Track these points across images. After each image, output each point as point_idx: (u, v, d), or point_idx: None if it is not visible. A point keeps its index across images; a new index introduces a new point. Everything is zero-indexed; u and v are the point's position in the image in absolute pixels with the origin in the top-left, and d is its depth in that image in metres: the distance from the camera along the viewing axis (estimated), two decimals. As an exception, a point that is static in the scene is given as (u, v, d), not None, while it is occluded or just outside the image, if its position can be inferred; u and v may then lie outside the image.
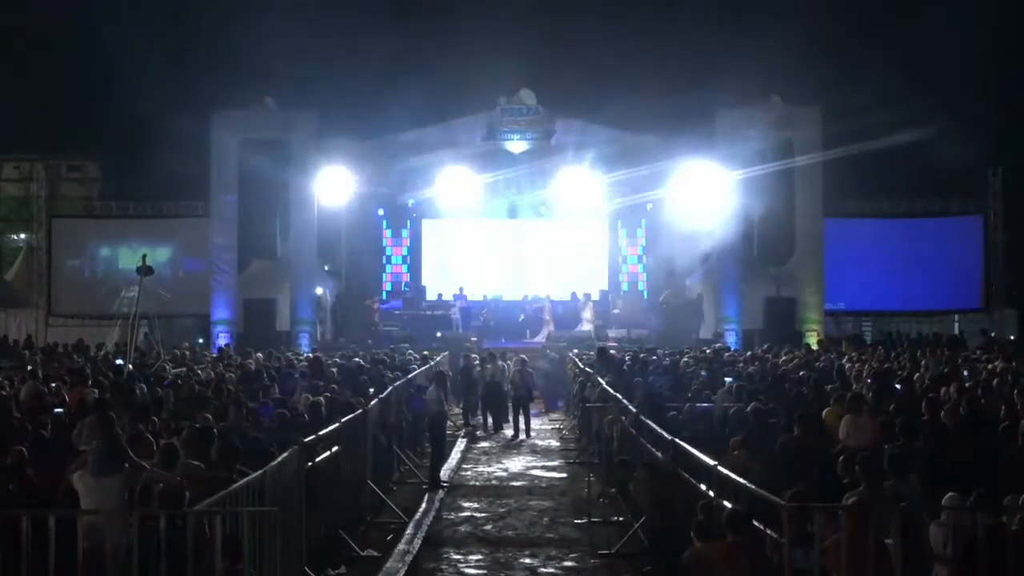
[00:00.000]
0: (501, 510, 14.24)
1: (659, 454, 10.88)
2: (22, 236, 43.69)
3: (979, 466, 9.39)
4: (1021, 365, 17.94)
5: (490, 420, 21.98)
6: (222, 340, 27.98)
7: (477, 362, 22.83)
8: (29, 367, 18.84)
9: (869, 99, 38.49)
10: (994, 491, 7.76)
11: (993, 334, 27.47)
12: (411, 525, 13.08)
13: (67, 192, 54.12)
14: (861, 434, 11.28)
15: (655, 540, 10.58)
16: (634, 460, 12.35)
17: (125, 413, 12.43)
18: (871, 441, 10.97)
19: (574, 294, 33.26)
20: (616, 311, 33.03)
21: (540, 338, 30.86)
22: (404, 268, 35.87)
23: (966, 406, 12.59)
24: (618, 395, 14.90)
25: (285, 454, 9.54)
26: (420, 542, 12.21)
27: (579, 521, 13.47)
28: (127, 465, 8.65)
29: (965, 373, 17.85)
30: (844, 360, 20.51)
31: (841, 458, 8.97)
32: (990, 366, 18.22)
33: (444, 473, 16.61)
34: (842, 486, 8.57)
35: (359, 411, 13.18)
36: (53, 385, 15.98)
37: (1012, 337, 27.73)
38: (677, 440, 10.40)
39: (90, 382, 16.34)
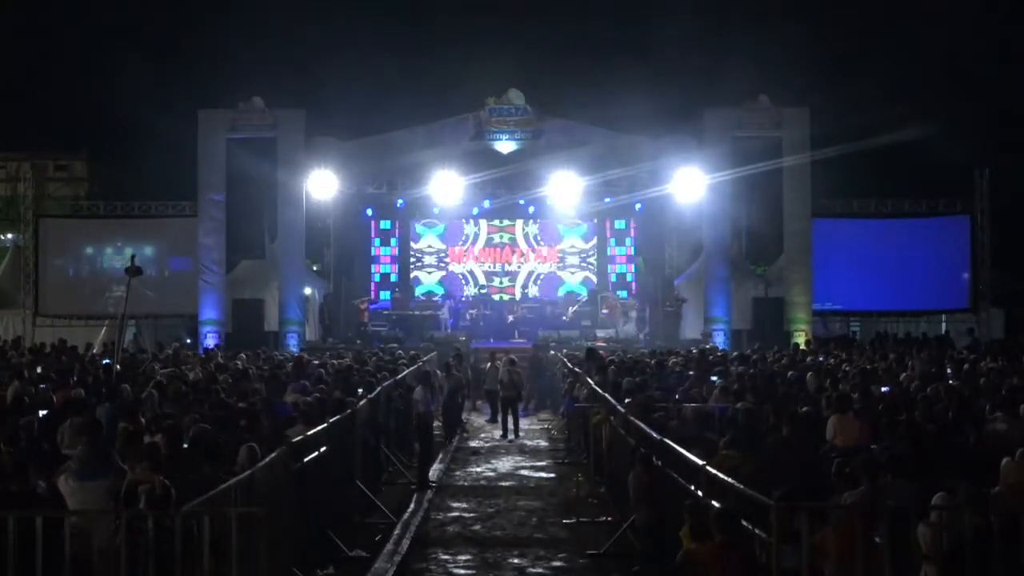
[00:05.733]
0: (490, 510, 14.24)
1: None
2: (9, 236, 43.53)
3: (965, 465, 9.43)
4: (1007, 364, 18.02)
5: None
6: (210, 341, 27.89)
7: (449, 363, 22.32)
8: (16, 367, 18.70)
9: (857, 99, 38.75)
10: (981, 490, 7.80)
11: (976, 334, 27.52)
12: (399, 525, 13.07)
13: (54, 191, 54.04)
14: (847, 434, 11.33)
15: (645, 540, 10.58)
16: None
17: (109, 413, 12.45)
18: (856, 441, 11.02)
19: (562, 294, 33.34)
20: (604, 311, 33.05)
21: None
22: (393, 268, 35.83)
23: (952, 406, 12.66)
24: (607, 395, 14.90)
25: (273, 454, 9.52)
26: (409, 542, 12.20)
27: (568, 521, 13.49)
28: (113, 469, 8.60)
29: (950, 372, 17.94)
30: (832, 360, 20.57)
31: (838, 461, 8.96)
32: (978, 366, 18.28)
33: (432, 473, 16.61)
34: (830, 485, 8.59)
35: (348, 411, 13.17)
36: (43, 386, 15.89)
37: (998, 337, 27.79)
38: (666, 440, 10.42)
39: (73, 382, 16.30)
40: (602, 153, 30.07)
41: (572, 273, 35.67)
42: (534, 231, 35.70)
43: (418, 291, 35.26)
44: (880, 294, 30.86)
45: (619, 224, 35.71)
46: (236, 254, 31.11)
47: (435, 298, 34.70)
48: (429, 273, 35.73)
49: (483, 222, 35.48)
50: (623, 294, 34.84)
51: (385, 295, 35.22)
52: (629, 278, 35.63)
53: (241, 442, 10.06)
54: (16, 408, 13.41)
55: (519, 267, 35.65)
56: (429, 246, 35.78)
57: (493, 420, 22.69)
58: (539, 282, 35.52)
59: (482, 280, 35.49)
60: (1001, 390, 13.86)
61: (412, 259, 35.77)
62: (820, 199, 29.99)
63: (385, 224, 35.69)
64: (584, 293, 34.99)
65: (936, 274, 30.88)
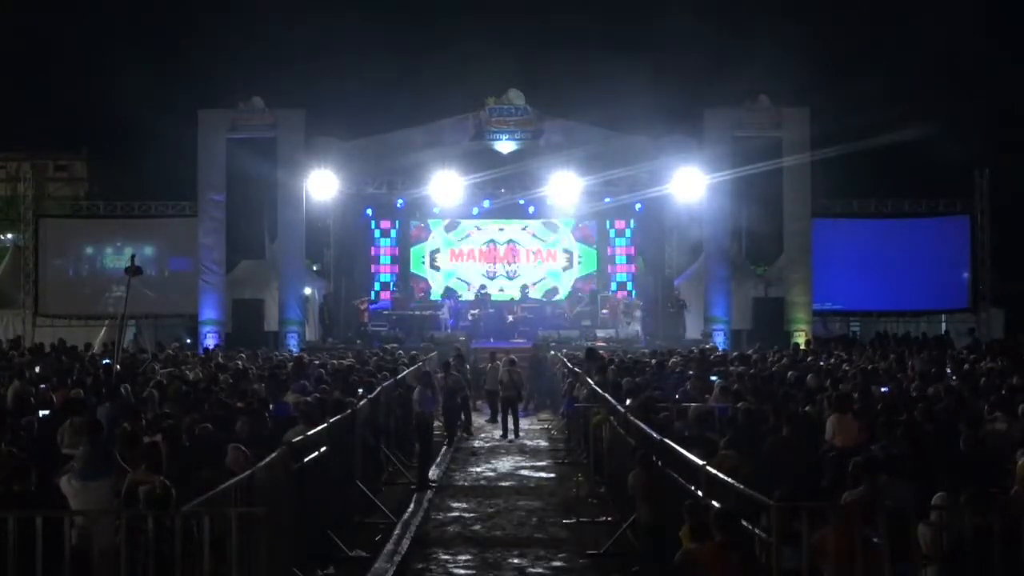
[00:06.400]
0: (490, 510, 14.24)
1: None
2: (9, 236, 43.53)
3: (964, 465, 9.43)
4: (1007, 364, 18.02)
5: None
6: (210, 341, 27.90)
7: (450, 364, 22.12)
8: (16, 367, 18.69)
9: (857, 99, 38.78)
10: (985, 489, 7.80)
11: (976, 334, 27.52)
12: (400, 525, 13.06)
13: (54, 192, 54.04)
14: (846, 434, 11.33)
15: (646, 539, 10.59)
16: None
17: (109, 413, 12.45)
18: (856, 441, 11.02)
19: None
20: (605, 311, 33.06)
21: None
22: (393, 268, 35.80)
23: (952, 406, 12.66)
24: (607, 395, 14.90)
25: (273, 454, 9.52)
26: (409, 542, 12.20)
27: (568, 521, 13.49)
28: (115, 469, 8.60)
29: (950, 372, 17.95)
30: (832, 360, 20.57)
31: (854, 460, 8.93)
32: (978, 366, 18.29)
33: (432, 473, 16.60)
34: (831, 486, 8.60)
35: (348, 411, 13.17)
36: (43, 386, 15.89)
37: (998, 337, 27.79)
38: (666, 440, 10.41)
39: (73, 382, 16.28)
40: (602, 153, 30.07)
41: (572, 273, 35.63)
42: (534, 231, 35.63)
43: (417, 291, 35.23)
44: (880, 294, 30.86)
45: (619, 224, 35.65)
46: (236, 254, 31.11)
47: (435, 298, 34.69)
48: (429, 273, 35.67)
49: (483, 221, 35.43)
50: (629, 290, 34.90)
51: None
52: (627, 278, 35.55)
53: (237, 442, 10.09)
54: (18, 408, 13.43)
55: (519, 267, 35.63)
56: (429, 245, 35.69)
57: (493, 420, 22.70)
58: (540, 282, 35.45)
59: (482, 280, 35.41)
60: (1001, 390, 13.87)
61: (412, 259, 35.72)
62: (820, 199, 30.00)
63: (385, 223, 35.59)
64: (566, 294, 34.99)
65: (936, 274, 30.87)
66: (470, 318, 33.22)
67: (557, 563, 11.51)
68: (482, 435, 21.66)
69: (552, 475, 17.12)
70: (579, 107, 35.25)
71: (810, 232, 29.35)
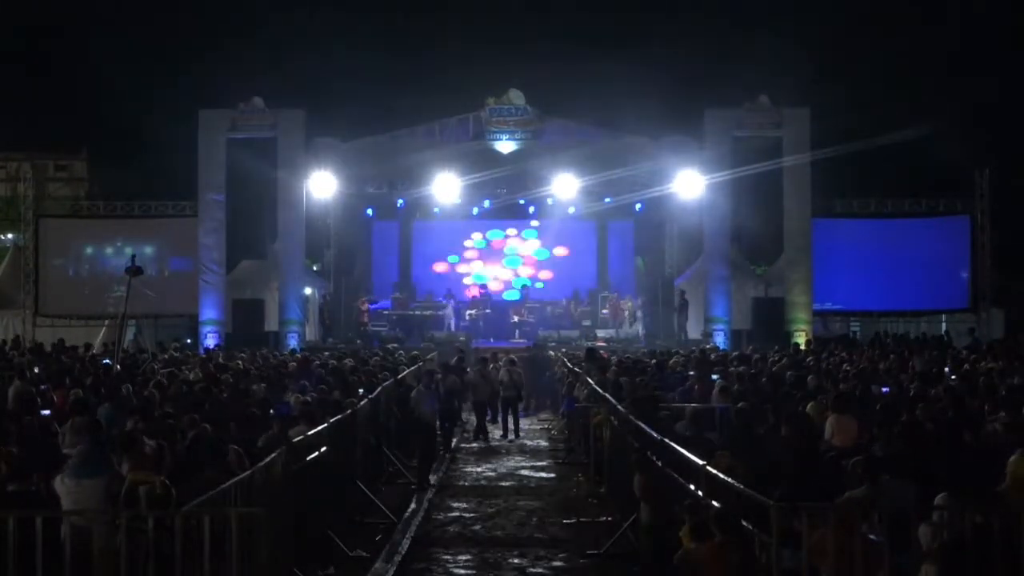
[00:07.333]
0: (490, 510, 14.23)
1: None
2: (9, 236, 43.55)
3: (965, 465, 9.43)
4: (1008, 364, 18.03)
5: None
6: (210, 341, 27.90)
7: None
8: (17, 367, 18.68)
9: (857, 99, 38.79)
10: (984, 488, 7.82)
11: (976, 334, 27.51)
12: (400, 525, 13.07)
13: (54, 192, 54.05)
14: (845, 434, 11.32)
15: (646, 539, 10.59)
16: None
17: (109, 413, 12.45)
18: (854, 441, 11.01)
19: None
20: (605, 311, 33.07)
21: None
22: (393, 268, 35.81)
23: (952, 405, 12.65)
24: (607, 395, 14.90)
25: (274, 454, 9.52)
26: (409, 542, 12.19)
27: (568, 521, 13.48)
28: (110, 469, 8.58)
29: (949, 371, 17.96)
30: (832, 360, 20.57)
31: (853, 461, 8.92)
32: (978, 366, 18.29)
33: (432, 473, 16.59)
34: (830, 486, 8.60)
35: (348, 411, 13.17)
36: (43, 387, 15.89)
37: (998, 337, 27.79)
38: (666, 440, 10.41)
39: (72, 382, 16.28)
40: (602, 153, 30.07)
41: (573, 273, 35.66)
42: (534, 231, 35.67)
43: (418, 291, 35.21)
44: (880, 294, 30.87)
45: (619, 224, 35.65)
46: (236, 254, 31.13)
47: (435, 298, 34.71)
48: (430, 273, 35.71)
49: (483, 221, 35.47)
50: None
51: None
52: (626, 279, 35.57)
53: (233, 443, 10.09)
54: (19, 408, 13.42)
55: (520, 266, 35.67)
56: (430, 245, 35.72)
57: (493, 420, 22.68)
58: (539, 281, 35.49)
59: (483, 279, 35.46)
60: (1000, 390, 13.88)
61: (413, 258, 35.75)
62: (820, 199, 29.99)
63: (386, 223, 35.62)
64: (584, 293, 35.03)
65: (936, 274, 30.87)
66: (467, 318, 33.23)
67: (557, 563, 11.51)
68: (482, 435, 21.66)
69: (552, 475, 17.12)
70: (579, 107, 35.29)
71: (810, 232, 29.34)
